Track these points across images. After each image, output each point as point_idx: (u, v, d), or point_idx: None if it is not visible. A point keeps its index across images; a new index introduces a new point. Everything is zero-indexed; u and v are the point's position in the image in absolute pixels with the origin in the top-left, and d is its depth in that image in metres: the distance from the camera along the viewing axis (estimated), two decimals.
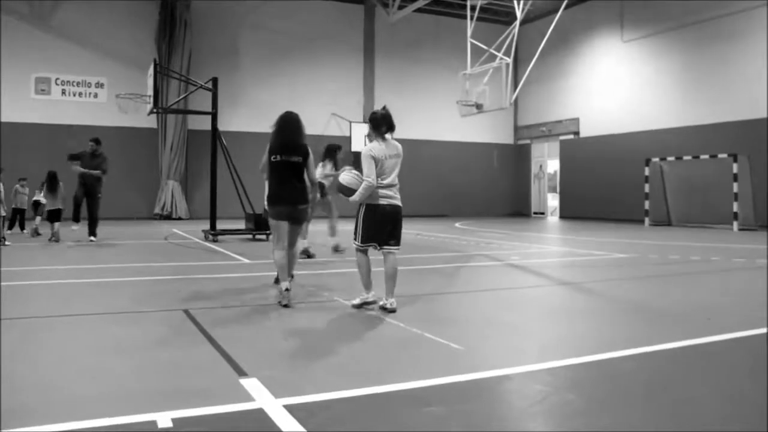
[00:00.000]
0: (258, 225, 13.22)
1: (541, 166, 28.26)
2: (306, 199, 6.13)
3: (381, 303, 5.70)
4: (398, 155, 5.83)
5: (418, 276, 8.35)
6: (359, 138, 24.92)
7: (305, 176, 6.14)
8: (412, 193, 27.27)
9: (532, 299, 6.67)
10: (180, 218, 22.19)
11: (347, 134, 24.97)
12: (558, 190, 27.03)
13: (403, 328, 4.90)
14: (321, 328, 5.08)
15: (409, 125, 26.42)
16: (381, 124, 5.83)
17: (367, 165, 5.57)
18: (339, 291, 6.77)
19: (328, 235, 10.61)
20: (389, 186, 5.67)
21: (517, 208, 28.66)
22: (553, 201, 28.03)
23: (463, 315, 5.74)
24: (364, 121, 25.76)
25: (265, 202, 6.26)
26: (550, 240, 15.03)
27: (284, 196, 6.06)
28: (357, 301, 5.80)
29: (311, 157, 6.20)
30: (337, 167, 10.10)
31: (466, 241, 13.61)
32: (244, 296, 6.57)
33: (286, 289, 5.87)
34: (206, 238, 13.35)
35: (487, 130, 28.26)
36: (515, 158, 28.86)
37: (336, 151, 10.49)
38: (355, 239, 5.77)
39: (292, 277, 6.31)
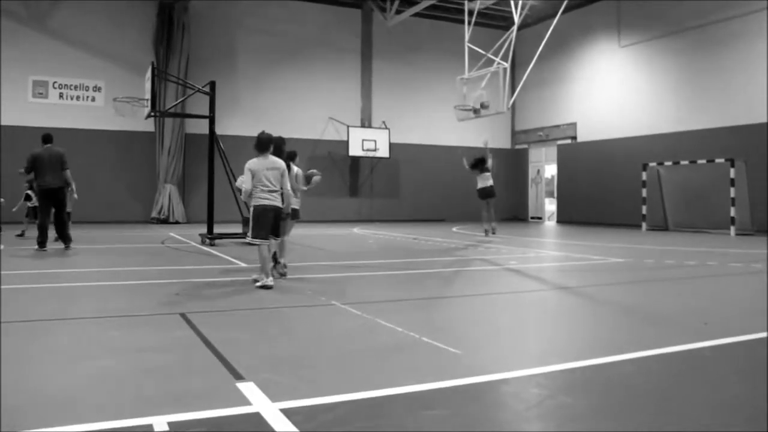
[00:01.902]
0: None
1: (538, 171, 28.31)
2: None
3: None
4: (275, 168, 7.52)
5: (416, 280, 8.35)
6: (357, 142, 24.94)
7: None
8: (409, 198, 27.37)
9: (529, 303, 6.67)
10: (177, 222, 22.18)
11: (345, 138, 24.99)
12: (555, 194, 27.07)
13: (401, 332, 4.90)
14: (318, 331, 5.08)
15: (406, 129, 26.48)
16: (259, 145, 7.57)
17: (244, 174, 7.49)
18: (335, 295, 6.77)
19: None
20: (270, 191, 7.46)
21: (515, 212, 28.69)
22: (550, 205, 28.07)
23: (461, 319, 5.74)
24: (362, 126, 25.81)
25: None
26: (547, 244, 15.05)
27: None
28: (259, 283, 7.29)
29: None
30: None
31: (464, 246, 13.61)
32: (241, 300, 6.57)
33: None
34: (203, 242, 13.34)
35: (484, 135, 28.30)
36: (513, 163, 28.91)
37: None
38: (248, 235, 7.62)
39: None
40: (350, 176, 25.79)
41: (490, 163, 15.94)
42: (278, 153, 7.92)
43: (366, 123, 26.06)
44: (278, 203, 7.53)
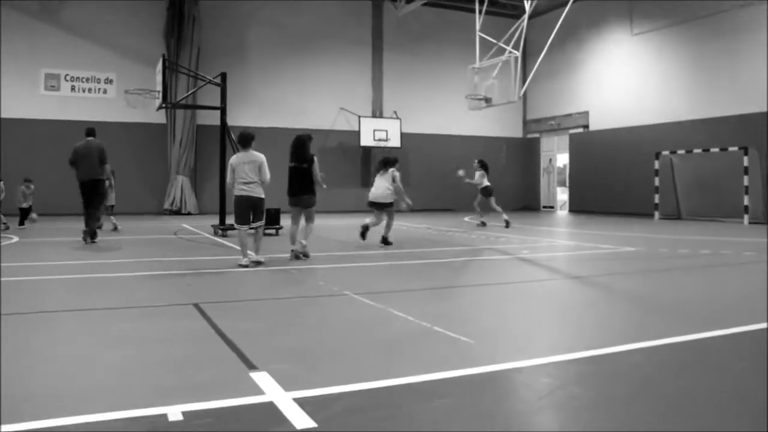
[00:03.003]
0: (267, 220, 13.26)
1: (550, 160, 28.18)
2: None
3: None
4: (252, 161, 8.37)
5: (427, 270, 8.36)
6: (368, 132, 24.91)
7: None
8: (419, 188, 27.29)
9: (541, 293, 6.67)
10: (189, 213, 22.28)
11: (356, 129, 24.97)
12: (567, 183, 26.94)
13: (413, 321, 4.93)
14: (331, 321, 5.11)
15: (417, 119, 26.41)
16: (241, 141, 8.60)
17: (228, 169, 8.54)
18: (347, 285, 6.79)
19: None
20: (246, 183, 8.34)
21: (527, 202, 28.59)
22: (562, 195, 27.94)
23: (473, 309, 5.75)
24: (373, 116, 25.77)
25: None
26: (559, 234, 15.00)
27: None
28: (243, 262, 8.28)
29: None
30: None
31: (475, 235, 13.60)
32: (253, 290, 6.62)
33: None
34: (215, 233, 13.40)
35: (496, 124, 28.20)
36: (524, 152, 28.78)
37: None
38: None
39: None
40: (362, 166, 25.78)
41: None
42: (304, 150, 9.25)
43: (377, 113, 26.02)
44: (254, 193, 8.35)
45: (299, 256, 9.10)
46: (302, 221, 9.41)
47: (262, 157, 8.48)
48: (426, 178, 26.71)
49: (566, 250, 11.27)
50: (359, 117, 25.04)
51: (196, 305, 5.55)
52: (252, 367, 3.71)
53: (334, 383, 3.41)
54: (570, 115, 26.41)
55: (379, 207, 11.34)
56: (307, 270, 8.20)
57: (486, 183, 16.57)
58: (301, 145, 9.34)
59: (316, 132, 24.31)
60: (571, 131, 26.35)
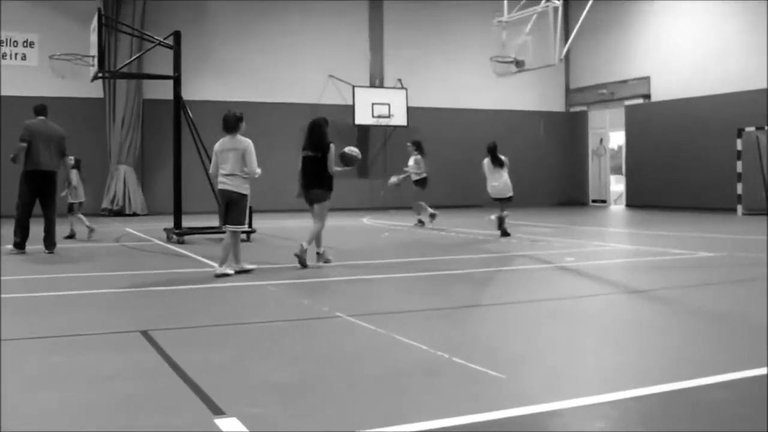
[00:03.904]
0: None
1: (601, 140, 28.17)
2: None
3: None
4: (234, 149, 8.82)
5: (444, 284, 8.35)
6: (365, 106, 24.91)
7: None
8: (433, 178, 27.24)
9: (590, 312, 6.66)
10: (135, 214, 22.29)
11: (350, 102, 24.97)
12: (624, 170, 26.92)
13: (426, 351, 4.91)
14: (318, 351, 5.09)
15: (428, 89, 26.39)
16: (225, 125, 8.98)
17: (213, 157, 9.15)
18: (340, 305, 6.78)
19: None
20: (225, 175, 8.81)
21: (571, 194, 28.57)
22: (617, 185, 27.92)
23: (503, 333, 5.74)
24: (372, 85, 25.76)
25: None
26: (613, 235, 14.99)
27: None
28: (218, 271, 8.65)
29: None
30: None
31: (505, 239, 13.58)
32: (218, 312, 6.61)
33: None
34: (169, 239, 13.40)
35: (530, 95, 28.17)
36: (567, 130, 28.75)
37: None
38: None
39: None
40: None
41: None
42: (319, 136, 9.84)
43: (377, 82, 26.00)
44: (232, 187, 8.82)
45: (328, 259, 9.83)
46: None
47: (247, 143, 8.86)
48: (439, 165, 26.68)
49: (623, 256, 11.24)
50: (353, 87, 25.03)
51: (145, 333, 5.53)
52: (218, 411, 3.70)
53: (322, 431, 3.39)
54: (626, 81, 26.39)
55: (504, 201, 14.02)
56: (287, 286, 8.19)
57: (424, 173, 17.13)
58: (315, 130, 9.92)
59: (299, 107, 24.41)
60: (628, 102, 26.32)
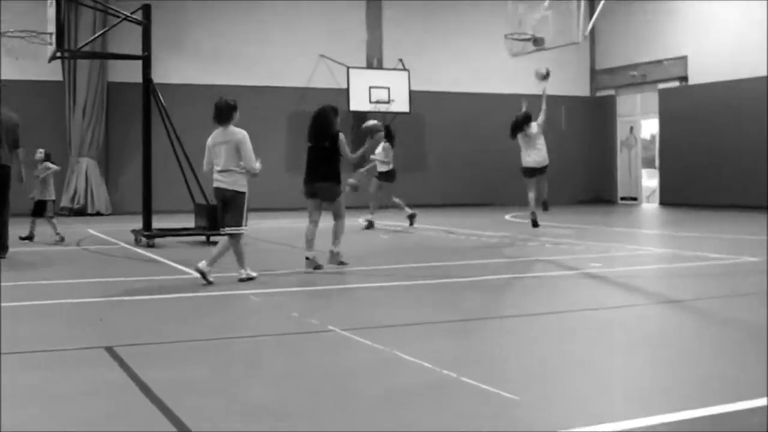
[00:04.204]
0: (214, 222, 13.23)
1: (631, 129, 28.16)
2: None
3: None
4: (227, 141, 8.88)
5: (452, 293, 8.36)
6: (362, 91, 24.89)
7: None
8: (439, 172, 27.27)
9: (618, 326, 6.66)
10: (99, 214, 22.28)
11: (343, 86, 24.96)
12: (657, 163, 26.92)
13: (431, 369, 4.92)
14: (307, 370, 5.10)
15: (433, 71, 26.37)
16: (216, 115, 9.02)
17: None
18: (332, 317, 6.78)
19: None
20: (220, 171, 8.91)
21: (597, 191, 28.57)
22: (649, 180, 27.91)
23: (518, 350, 5.74)
24: (369, 67, 25.75)
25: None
26: (645, 237, 14.99)
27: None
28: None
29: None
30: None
31: (521, 242, 13.57)
32: (193, 326, 6.61)
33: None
34: (138, 242, 13.39)
35: (550, 78, 28.14)
36: (593, 118, 28.74)
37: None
38: None
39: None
40: (353, 141, 25.76)
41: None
42: (323, 125, 10.17)
43: (375, 63, 26.00)
44: (227, 184, 8.92)
45: (319, 266, 9.85)
46: (317, 219, 10.28)
47: (241, 134, 8.93)
48: (447, 158, 26.70)
49: (657, 262, 11.24)
50: (348, 68, 25.02)
51: (109, 349, 5.54)
52: None
53: None
54: (660, 62, 26.38)
55: (541, 172, 15.19)
56: (274, 295, 8.20)
57: (391, 164, 17.23)
58: (319, 118, 10.26)
59: (285, 91, 24.39)
60: (662, 86, 26.32)
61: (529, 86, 27.64)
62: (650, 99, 27.05)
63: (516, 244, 13.37)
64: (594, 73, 29.05)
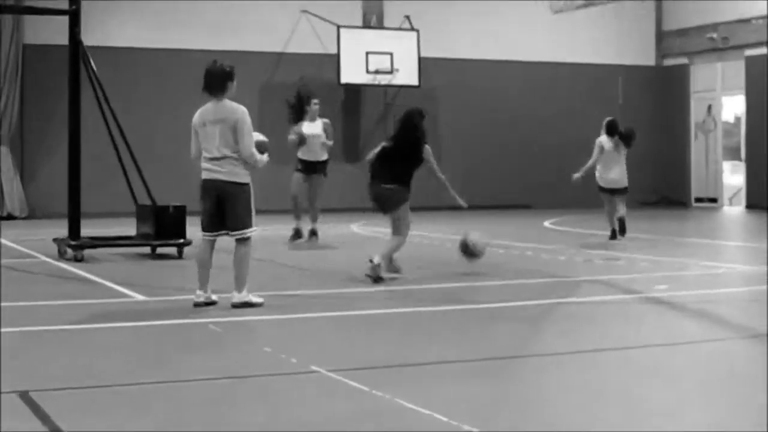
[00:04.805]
0: (162, 228, 13.21)
1: (709, 109, 28.15)
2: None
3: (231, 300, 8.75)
4: (222, 120, 8.84)
5: (475, 323, 8.36)
6: (357, 57, 24.87)
7: None
8: (457, 165, 27.11)
9: (690, 367, 6.65)
10: (11, 217, 22.29)
11: (333, 51, 24.96)
12: (743, 154, 26.91)
13: (447, 423, 4.90)
14: (285, 421, 5.08)
15: (450, 33, 26.38)
16: (207, 84, 9.03)
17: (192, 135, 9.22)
18: (317, 354, 6.77)
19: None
20: (212, 158, 8.85)
21: (664, 190, 28.58)
22: (733, 176, 27.92)
23: (561, 398, 5.73)
24: (366, 26, 25.75)
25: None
26: (727, 251, 14.99)
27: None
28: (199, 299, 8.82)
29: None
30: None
31: (565, 256, 13.57)
32: (138, 365, 6.59)
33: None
34: (63, 255, 13.37)
35: (603, 41, 28.20)
36: (659, 94, 28.75)
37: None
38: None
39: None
40: (345, 123, 25.80)
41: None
42: (413, 129, 11.38)
43: (373, 21, 26.01)
44: (223, 175, 8.84)
45: (378, 277, 10.59)
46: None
47: (240, 111, 8.96)
48: (467, 147, 26.69)
49: (742, 283, 11.22)
50: (338, 28, 25.05)
51: (24, 394, 5.53)
52: None
53: None
54: (747, 21, 26.39)
55: (621, 193, 16.22)
56: (239, 324, 8.18)
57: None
58: (406, 123, 11.47)
59: (256, 57, 24.36)
60: (750, 52, 26.32)
61: (573, 53, 27.72)
62: (734, 69, 27.06)
63: (557, 258, 13.35)
64: (661, 35, 29.05)
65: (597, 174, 16.34)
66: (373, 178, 11.42)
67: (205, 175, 8.90)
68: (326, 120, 16.47)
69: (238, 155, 8.76)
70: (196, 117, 9.00)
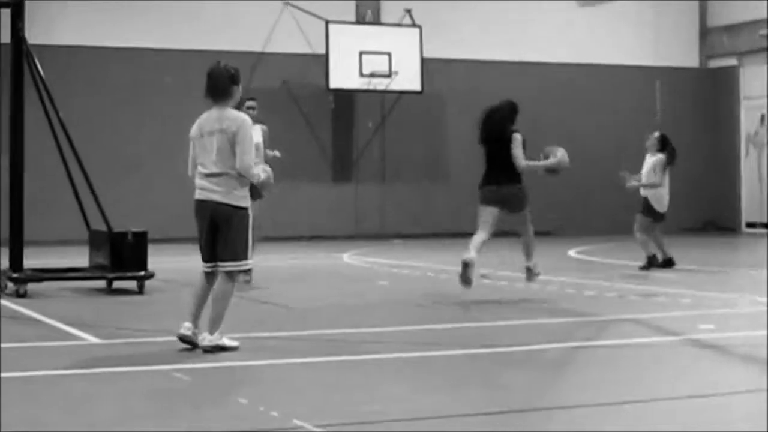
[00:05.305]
0: (119, 258, 13.22)
1: (763, 118, 28.22)
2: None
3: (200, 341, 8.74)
4: (221, 130, 8.82)
5: (488, 369, 8.39)
6: (350, 58, 24.97)
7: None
8: (466, 184, 27.08)
9: (740, 422, 6.66)
10: None
11: (321, 51, 25.07)
12: None
13: None
14: None
15: (458, 31, 26.49)
16: (210, 88, 9.09)
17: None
18: (302, 406, 6.78)
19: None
20: (207, 175, 8.84)
21: (710, 214, 28.63)
22: None
23: None
24: (360, 21, 25.86)
25: None
26: None
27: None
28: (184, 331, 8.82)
29: None
30: None
31: (594, 291, 13.59)
32: (91, 422, 6.60)
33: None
34: (2, 290, 13.38)
35: (637, 39, 28.31)
36: (703, 100, 28.84)
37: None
38: None
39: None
40: (335, 136, 25.84)
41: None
42: (501, 123, 13.53)
43: (369, 16, 26.11)
44: (218, 196, 8.82)
45: (538, 272, 12.48)
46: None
47: (241, 120, 8.99)
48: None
49: None
50: (327, 24, 25.15)
51: None
52: None
53: None
54: None
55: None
56: (208, 372, 8.19)
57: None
58: (493, 115, 13.41)
59: (232, 56, 24.33)
60: None
61: (603, 53, 27.80)
62: None
63: (584, 293, 13.37)
64: (706, 32, 29.18)
65: (657, 198, 17.08)
66: (487, 180, 13.00)
67: (197, 195, 8.89)
68: (264, 127, 15.46)
69: (237, 173, 8.70)
70: (194, 128, 9.04)
